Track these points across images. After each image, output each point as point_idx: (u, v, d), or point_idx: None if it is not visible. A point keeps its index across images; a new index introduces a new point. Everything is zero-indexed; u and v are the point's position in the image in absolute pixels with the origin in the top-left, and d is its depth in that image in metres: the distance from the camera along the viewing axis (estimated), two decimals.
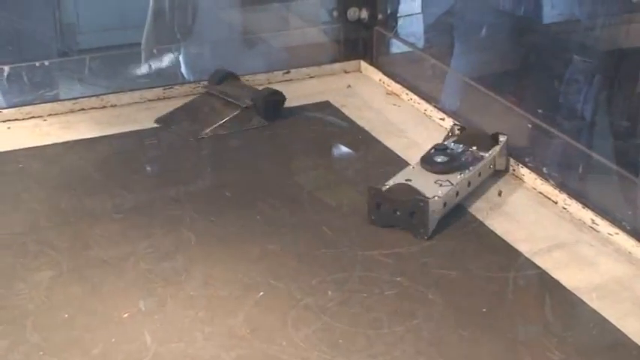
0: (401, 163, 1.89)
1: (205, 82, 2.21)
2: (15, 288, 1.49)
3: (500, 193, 1.80)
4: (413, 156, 1.92)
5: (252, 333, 1.39)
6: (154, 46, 2.45)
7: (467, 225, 1.69)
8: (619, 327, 1.41)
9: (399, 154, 1.95)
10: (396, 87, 2.27)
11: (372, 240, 1.63)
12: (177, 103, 2.16)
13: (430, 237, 1.63)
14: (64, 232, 1.65)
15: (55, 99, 2.19)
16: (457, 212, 1.72)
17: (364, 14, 2.40)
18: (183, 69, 2.45)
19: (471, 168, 1.77)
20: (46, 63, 2.26)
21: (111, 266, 1.55)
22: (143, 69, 2.40)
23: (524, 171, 1.85)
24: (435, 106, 2.13)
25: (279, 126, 2.08)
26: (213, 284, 1.51)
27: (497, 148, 1.85)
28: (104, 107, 2.18)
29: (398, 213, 1.65)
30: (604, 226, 1.66)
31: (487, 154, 1.83)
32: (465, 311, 1.45)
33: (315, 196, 1.78)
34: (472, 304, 1.46)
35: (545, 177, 1.81)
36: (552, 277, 1.54)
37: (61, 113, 2.14)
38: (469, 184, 1.76)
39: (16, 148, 1.97)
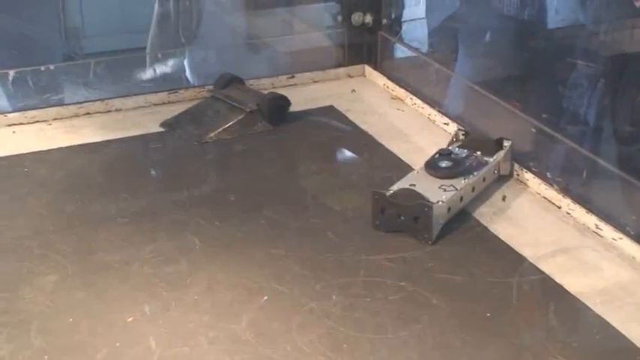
0: (405, 168, 1.89)
1: (210, 87, 2.21)
2: (20, 292, 1.49)
3: (504, 198, 1.80)
4: (417, 161, 1.92)
5: (256, 337, 1.39)
6: (158, 51, 2.45)
7: (471, 230, 1.70)
8: (623, 332, 1.41)
9: (403, 158, 1.95)
10: (400, 92, 2.27)
11: (376, 245, 1.64)
12: (182, 107, 2.17)
13: (434, 242, 1.63)
14: (68, 237, 1.65)
15: (60, 103, 2.20)
16: (461, 217, 1.72)
17: (368, 19, 2.40)
18: (187, 73, 2.45)
19: (475, 173, 1.77)
20: (51, 67, 2.26)
21: (115, 270, 1.56)
22: (148, 73, 2.40)
23: (528, 176, 1.85)
24: (439, 111, 2.13)
25: (283, 130, 2.08)
26: (218, 289, 1.51)
27: (501, 153, 1.85)
28: (109, 111, 2.18)
29: (402, 218, 1.66)
30: (608, 231, 1.66)
31: (491, 159, 1.83)
32: (468, 316, 1.45)
33: (320, 201, 1.79)
34: (476, 308, 1.46)
35: (549, 182, 1.81)
36: (556, 282, 1.54)
37: (66, 117, 2.14)
38: (473, 189, 1.76)
39: (22, 152, 1.97)
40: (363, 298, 1.49)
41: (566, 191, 1.77)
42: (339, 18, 2.45)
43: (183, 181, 1.85)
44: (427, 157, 1.87)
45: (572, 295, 1.50)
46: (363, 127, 2.10)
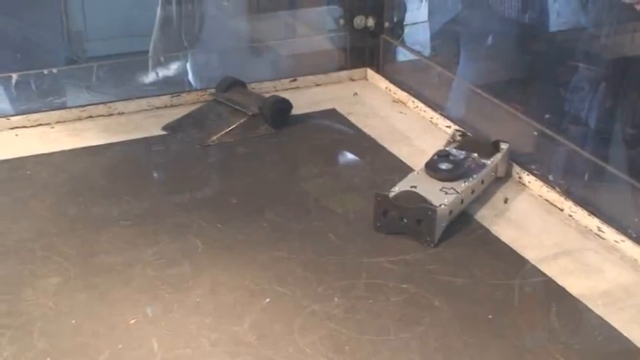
0: (407, 171, 1.89)
1: (212, 90, 2.21)
2: (23, 294, 1.50)
3: (506, 201, 1.80)
4: (419, 163, 1.92)
5: (258, 339, 1.39)
6: (161, 54, 2.46)
7: (473, 232, 1.70)
8: (625, 334, 1.41)
9: (405, 161, 1.95)
10: (402, 95, 2.27)
11: (378, 247, 1.64)
12: (185, 110, 2.17)
13: (436, 244, 1.64)
14: (71, 239, 1.66)
15: (63, 106, 2.20)
16: (463, 219, 1.73)
17: (371, 22, 2.40)
18: (190, 76, 2.46)
19: (474, 176, 1.77)
20: (54, 71, 2.27)
21: (118, 273, 1.56)
22: (150, 76, 2.41)
23: (529, 178, 1.85)
24: (441, 114, 2.14)
25: (285, 133, 2.08)
26: (220, 291, 1.51)
27: (499, 156, 1.85)
28: (111, 115, 2.18)
29: (404, 220, 1.66)
30: (610, 234, 1.66)
31: (489, 162, 1.83)
32: (470, 318, 1.45)
33: (322, 204, 1.79)
34: (478, 311, 1.47)
35: (551, 184, 1.81)
36: (558, 285, 1.54)
37: (69, 120, 2.14)
38: (473, 191, 1.76)
39: (24, 155, 1.97)
40: (365, 300, 1.49)
41: (568, 194, 1.77)
42: (342, 21, 2.45)
43: (185, 184, 1.85)
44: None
45: (574, 297, 1.51)
46: (365, 130, 2.10)
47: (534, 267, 1.58)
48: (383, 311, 1.46)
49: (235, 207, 1.78)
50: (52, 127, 2.12)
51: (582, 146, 1.86)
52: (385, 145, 2.03)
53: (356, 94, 2.32)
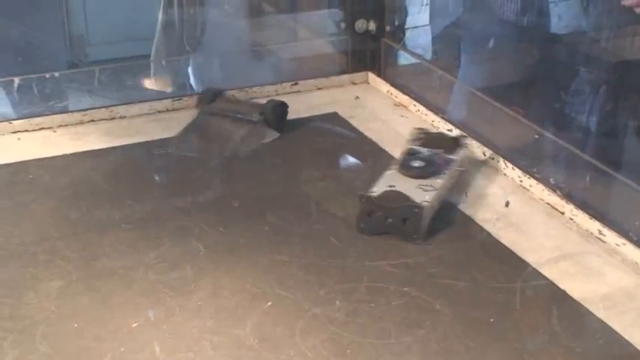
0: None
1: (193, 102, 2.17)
2: (25, 298, 1.50)
3: (507, 204, 1.81)
4: None
5: (260, 343, 1.40)
6: (163, 58, 2.46)
7: (474, 235, 1.70)
8: (626, 337, 1.42)
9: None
10: (403, 98, 2.27)
11: (380, 250, 1.64)
12: (186, 114, 2.17)
13: (436, 246, 1.64)
14: (73, 243, 1.66)
15: (65, 110, 2.20)
16: (464, 222, 1.73)
17: (372, 26, 2.41)
18: (192, 80, 2.46)
19: (446, 171, 1.79)
20: (56, 75, 2.27)
21: (120, 276, 1.56)
22: (152, 80, 2.41)
23: (531, 182, 1.85)
24: (442, 117, 2.14)
25: (286, 137, 2.09)
26: (222, 294, 1.51)
27: (462, 151, 1.88)
28: (113, 118, 2.19)
29: (390, 220, 1.67)
30: (611, 237, 1.66)
31: (455, 157, 1.85)
32: (472, 321, 1.45)
33: (323, 207, 1.79)
34: (479, 314, 1.47)
35: (552, 188, 1.81)
36: (559, 288, 1.54)
37: (71, 124, 2.15)
38: (446, 187, 1.78)
39: (26, 159, 1.98)
40: (367, 303, 1.49)
41: (569, 197, 1.77)
42: (343, 25, 2.45)
43: (187, 188, 1.85)
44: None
45: (575, 300, 1.51)
46: (367, 133, 2.11)
47: (535, 270, 1.59)
48: (384, 314, 1.46)
49: (237, 210, 1.78)
50: (54, 131, 2.13)
51: (583, 149, 1.87)
52: (386, 149, 2.03)
53: (357, 97, 2.32)
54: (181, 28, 2.49)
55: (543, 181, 1.84)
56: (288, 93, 2.33)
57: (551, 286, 1.55)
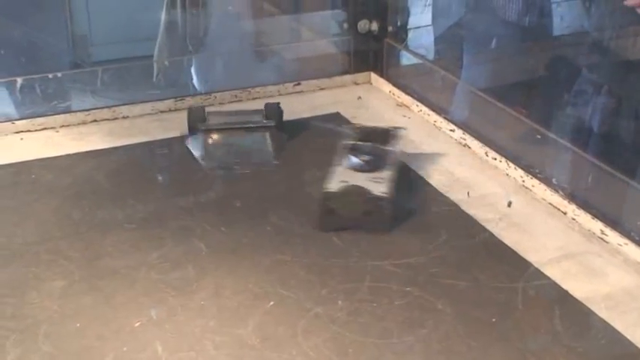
0: (411, 174, 1.90)
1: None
2: (27, 297, 1.50)
3: (509, 204, 1.81)
4: (422, 166, 1.93)
5: (262, 342, 1.40)
6: (166, 58, 2.46)
7: (476, 235, 1.70)
8: (628, 337, 1.42)
9: (409, 164, 1.95)
10: (406, 98, 2.27)
11: (382, 250, 1.64)
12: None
13: (438, 246, 1.64)
14: (76, 242, 1.66)
15: (68, 110, 2.20)
16: (466, 223, 1.73)
17: (375, 26, 2.40)
18: (194, 80, 2.46)
19: (390, 163, 1.81)
20: (59, 75, 2.27)
21: (122, 276, 1.56)
22: (155, 81, 2.41)
23: (533, 182, 1.85)
24: (444, 118, 2.14)
25: (289, 137, 2.08)
26: (224, 294, 1.52)
27: (397, 141, 1.90)
28: (116, 119, 2.19)
29: (354, 214, 1.68)
30: (613, 237, 1.67)
31: (393, 148, 1.87)
32: (474, 321, 1.45)
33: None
34: (481, 314, 1.47)
35: (554, 188, 1.81)
36: (561, 288, 1.54)
37: (74, 124, 2.15)
38: (394, 178, 1.79)
39: (29, 159, 1.98)
40: (369, 303, 1.49)
41: (571, 197, 1.77)
42: (345, 25, 2.45)
43: (189, 188, 1.86)
44: (433, 164, 1.89)
45: (577, 300, 1.51)
46: None
47: (538, 270, 1.59)
48: (386, 314, 1.46)
49: (239, 210, 1.78)
50: (57, 131, 2.13)
51: (586, 149, 1.87)
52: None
53: (360, 97, 2.33)
54: (184, 29, 2.50)
55: (546, 181, 1.84)
56: (291, 93, 2.33)
57: (554, 285, 1.55)
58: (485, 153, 1.98)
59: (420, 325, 1.44)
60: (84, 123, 2.16)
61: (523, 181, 1.88)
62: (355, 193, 1.70)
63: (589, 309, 1.48)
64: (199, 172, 1.94)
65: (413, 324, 1.44)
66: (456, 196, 1.83)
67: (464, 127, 2.07)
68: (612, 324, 1.45)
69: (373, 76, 2.41)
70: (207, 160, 1.95)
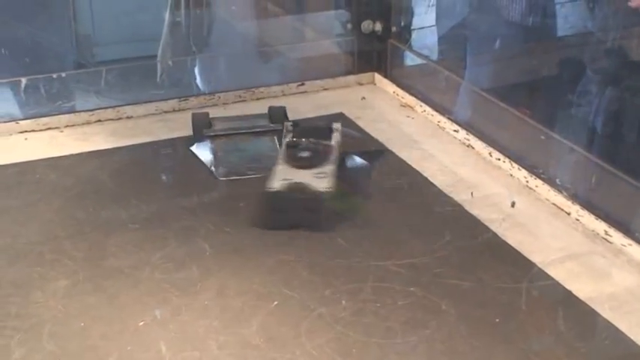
0: (415, 175, 1.90)
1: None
2: (32, 297, 1.50)
3: (513, 204, 1.81)
4: (427, 167, 1.94)
5: (265, 342, 1.40)
6: (169, 58, 2.47)
7: (480, 236, 1.70)
8: (631, 337, 1.42)
9: (413, 165, 1.96)
10: (410, 99, 2.27)
11: (385, 250, 1.64)
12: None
13: (441, 246, 1.64)
14: (80, 242, 1.66)
15: (72, 110, 2.21)
16: (470, 223, 1.73)
17: (378, 27, 2.41)
18: (198, 81, 2.47)
19: (331, 157, 1.82)
20: (63, 75, 2.28)
21: (126, 276, 1.57)
22: (159, 81, 2.42)
23: (537, 182, 1.85)
24: (448, 118, 2.14)
25: None
26: (228, 294, 1.52)
27: (337, 136, 1.91)
28: (120, 119, 2.19)
29: (298, 212, 1.69)
30: (617, 238, 1.66)
31: (332, 143, 1.88)
32: (477, 321, 1.45)
33: (329, 207, 1.79)
34: (485, 314, 1.47)
35: (558, 188, 1.81)
36: (565, 288, 1.54)
37: (78, 125, 2.16)
38: (335, 173, 1.80)
39: (33, 158, 1.99)
40: (372, 303, 1.49)
41: (575, 197, 1.77)
42: (349, 26, 2.45)
43: (193, 188, 1.86)
44: (437, 164, 1.89)
45: (581, 300, 1.51)
46: (373, 134, 2.11)
47: (541, 270, 1.59)
48: (390, 314, 1.47)
49: (243, 210, 1.78)
50: (61, 131, 2.13)
51: (589, 150, 1.86)
52: (393, 149, 2.03)
53: (364, 98, 2.33)
54: (188, 29, 2.50)
55: (549, 181, 1.84)
56: (295, 93, 2.33)
57: (557, 286, 1.55)
58: (489, 153, 1.98)
59: (424, 325, 1.44)
60: (88, 123, 2.17)
61: (527, 182, 1.88)
62: (297, 190, 1.71)
63: (593, 309, 1.48)
64: (203, 172, 1.94)
65: (416, 324, 1.44)
66: (459, 196, 1.83)
67: (468, 127, 2.07)
68: (616, 324, 1.44)
69: (377, 76, 2.41)
70: (218, 167, 1.95)
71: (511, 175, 1.92)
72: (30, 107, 2.21)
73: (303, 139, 1.88)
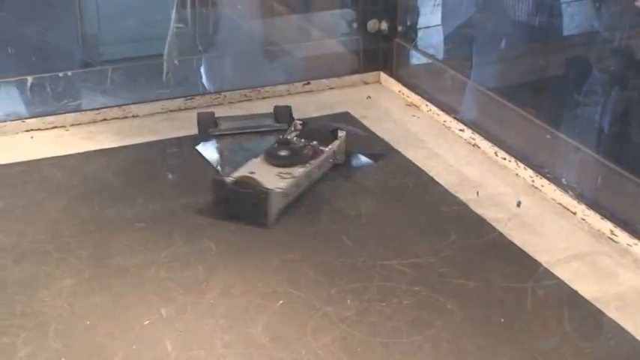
0: (420, 174, 1.90)
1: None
2: (38, 295, 1.51)
3: (519, 204, 1.80)
4: (432, 166, 1.94)
5: (271, 341, 1.40)
6: (175, 57, 2.47)
7: (486, 235, 1.70)
8: (638, 337, 1.41)
9: (419, 164, 1.96)
10: (415, 98, 2.27)
11: (391, 250, 1.64)
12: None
13: (447, 246, 1.64)
14: (85, 241, 1.67)
15: (78, 109, 2.21)
16: (476, 223, 1.73)
17: (384, 26, 2.41)
18: (204, 79, 2.47)
19: (311, 162, 1.84)
20: (69, 74, 2.28)
21: (132, 274, 1.57)
22: (164, 80, 2.42)
23: (543, 182, 1.85)
24: (454, 117, 2.14)
25: None
26: (233, 293, 1.52)
27: (336, 143, 1.92)
28: (126, 117, 2.20)
29: (242, 205, 1.71)
30: (623, 237, 1.66)
31: (327, 149, 1.89)
32: (483, 321, 1.45)
33: (335, 206, 1.80)
34: (490, 314, 1.47)
35: (564, 188, 1.81)
36: (571, 288, 1.54)
37: (84, 123, 2.16)
38: (309, 176, 1.82)
39: (39, 157, 1.99)
40: (378, 302, 1.49)
41: (581, 197, 1.77)
42: (355, 25, 2.45)
43: (198, 187, 1.86)
44: (443, 164, 1.89)
45: (587, 300, 1.51)
46: (379, 133, 2.11)
47: (547, 270, 1.59)
48: (395, 314, 1.47)
49: None
50: (67, 130, 2.14)
51: (595, 150, 1.86)
52: (399, 149, 2.03)
53: (369, 97, 2.33)
54: (194, 28, 2.50)
55: (555, 181, 1.83)
56: (300, 92, 2.33)
57: (563, 286, 1.54)
58: (495, 153, 1.98)
59: (429, 324, 1.44)
60: (94, 122, 2.17)
61: (533, 181, 1.87)
62: (245, 184, 1.72)
63: (598, 309, 1.48)
64: (208, 171, 1.94)
65: (422, 324, 1.44)
66: (465, 195, 1.83)
67: (473, 126, 2.07)
68: (622, 324, 1.44)
69: (383, 75, 2.41)
70: (223, 166, 1.95)
71: (517, 175, 1.92)
72: (36, 106, 2.21)
73: (296, 139, 1.90)
